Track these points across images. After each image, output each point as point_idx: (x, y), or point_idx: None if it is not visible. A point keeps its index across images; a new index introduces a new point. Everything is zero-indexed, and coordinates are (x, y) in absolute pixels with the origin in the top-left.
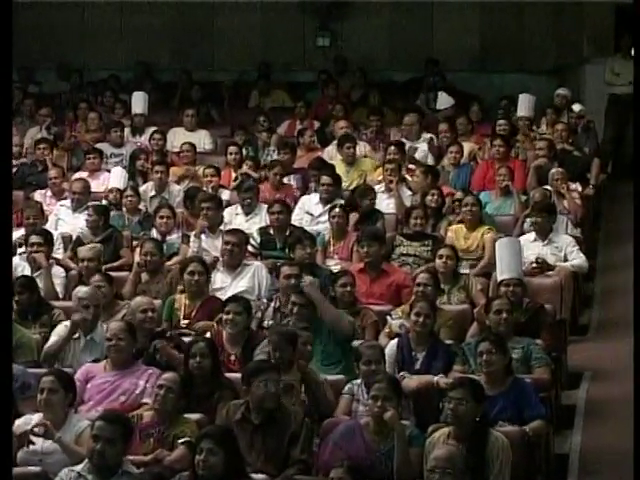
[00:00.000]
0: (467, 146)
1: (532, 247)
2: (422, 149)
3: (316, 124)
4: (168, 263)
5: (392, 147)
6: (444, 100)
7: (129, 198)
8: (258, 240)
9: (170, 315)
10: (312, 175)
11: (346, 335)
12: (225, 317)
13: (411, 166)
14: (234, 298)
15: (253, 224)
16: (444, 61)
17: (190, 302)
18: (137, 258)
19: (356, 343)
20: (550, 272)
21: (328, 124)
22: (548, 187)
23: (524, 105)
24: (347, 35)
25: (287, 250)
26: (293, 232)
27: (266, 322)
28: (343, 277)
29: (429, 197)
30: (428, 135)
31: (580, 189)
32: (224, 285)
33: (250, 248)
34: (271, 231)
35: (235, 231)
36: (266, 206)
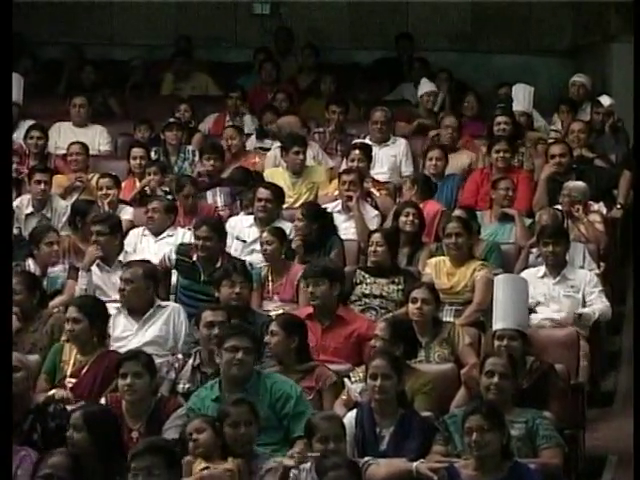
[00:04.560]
0: (465, 155)
1: (540, 285)
2: (392, 153)
3: (248, 119)
4: (50, 304)
5: (356, 151)
6: (426, 86)
7: None
8: (173, 258)
9: (53, 369)
10: (238, 191)
11: None
12: (121, 382)
13: (378, 177)
14: (131, 354)
15: (166, 245)
16: (422, 37)
17: (82, 356)
18: None
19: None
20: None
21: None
22: (560, 207)
23: (519, 98)
24: (294, 1)
25: (213, 285)
26: (225, 263)
27: (182, 385)
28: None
29: (402, 218)
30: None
31: (604, 210)
32: (127, 334)
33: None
34: (194, 257)
35: (131, 265)
36: (182, 229)
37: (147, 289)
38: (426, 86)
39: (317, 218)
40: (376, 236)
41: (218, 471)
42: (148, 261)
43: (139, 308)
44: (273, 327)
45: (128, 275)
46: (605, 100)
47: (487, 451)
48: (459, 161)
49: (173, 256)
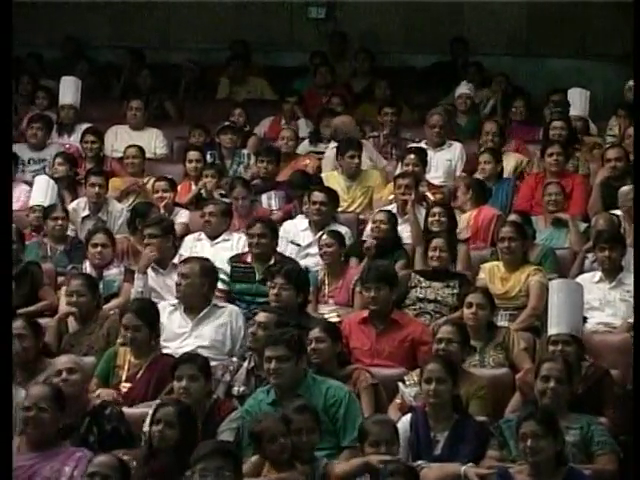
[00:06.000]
0: (512, 158)
1: (595, 290)
2: (447, 157)
3: (302, 122)
4: (106, 307)
5: (411, 155)
6: (462, 88)
7: (58, 221)
8: (228, 271)
9: (107, 373)
10: (296, 195)
11: None
12: (176, 385)
13: (433, 181)
14: (187, 357)
15: (222, 250)
16: (477, 41)
17: (136, 360)
18: (63, 300)
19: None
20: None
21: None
22: (617, 212)
23: (575, 102)
24: (349, 5)
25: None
26: (277, 262)
27: (236, 388)
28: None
29: (430, 218)
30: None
31: None
32: (182, 331)
33: (220, 285)
34: (248, 259)
35: (189, 261)
36: (237, 234)
37: (202, 286)
38: (462, 88)
39: (394, 227)
40: (438, 241)
41: (292, 474)
42: (206, 259)
43: (195, 305)
44: (319, 334)
45: (185, 270)
46: None
47: (541, 457)
48: (507, 164)
49: (227, 267)
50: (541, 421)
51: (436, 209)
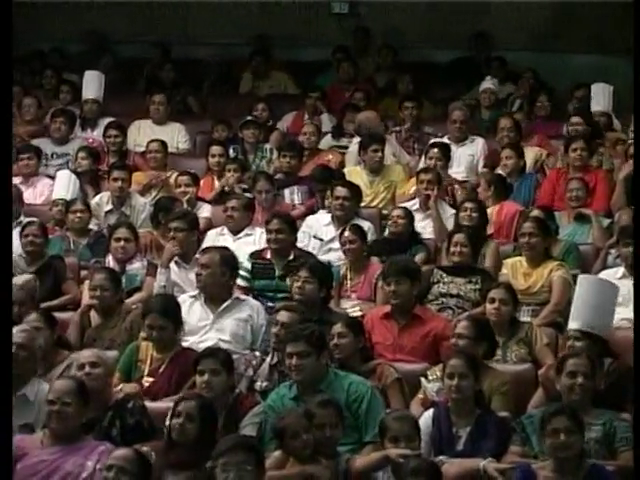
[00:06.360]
0: (530, 151)
1: (618, 286)
2: (469, 152)
3: (325, 117)
4: (128, 301)
5: (434, 150)
6: (486, 84)
7: (77, 214)
8: (249, 267)
9: (129, 367)
10: (318, 189)
11: None
12: (198, 379)
13: (456, 176)
14: (209, 352)
15: (244, 245)
16: (501, 37)
17: (159, 354)
18: (86, 294)
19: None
20: None
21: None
22: None
23: (598, 97)
24: (372, 0)
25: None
26: (297, 257)
27: (259, 383)
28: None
29: (462, 213)
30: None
31: None
32: (203, 324)
33: (240, 281)
34: (268, 255)
35: (209, 250)
36: (260, 229)
37: (223, 275)
38: (486, 83)
39: (412, 223)
40: (460, 236)
41: (316, 468)
42: (226, 247)
43: (216, 296)
44: (341, 329)
45: (204, 260)
46: None
47: (570, 453)
48: (526, 158)
49: (248, 264)
50: (571, 416)
51: (468, 204)
